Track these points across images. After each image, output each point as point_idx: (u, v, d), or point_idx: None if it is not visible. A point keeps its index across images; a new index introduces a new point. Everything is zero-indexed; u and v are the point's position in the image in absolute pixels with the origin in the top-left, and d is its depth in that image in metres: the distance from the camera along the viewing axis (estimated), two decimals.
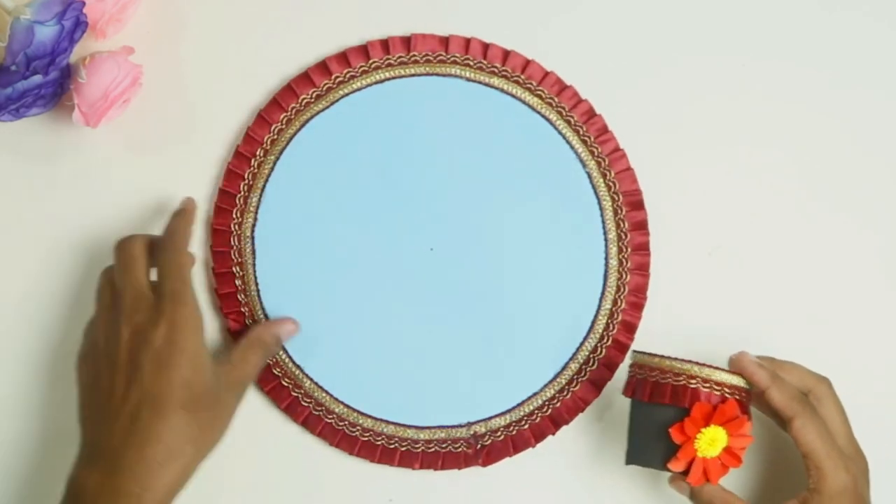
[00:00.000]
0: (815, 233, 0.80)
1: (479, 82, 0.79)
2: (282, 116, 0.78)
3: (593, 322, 0.78)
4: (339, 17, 0.81)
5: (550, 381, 0.77)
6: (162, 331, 0.68)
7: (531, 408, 0.77)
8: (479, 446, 0.76)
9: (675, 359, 0.70)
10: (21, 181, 0.79)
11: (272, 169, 0.78)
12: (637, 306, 0.78)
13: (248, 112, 0.79)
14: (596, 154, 0.79)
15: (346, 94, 0.79)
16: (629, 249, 0.78)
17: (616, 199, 0.78)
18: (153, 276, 0.72)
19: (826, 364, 0.77)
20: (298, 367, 0.77)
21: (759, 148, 0.80)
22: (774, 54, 0.81)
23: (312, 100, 0.79)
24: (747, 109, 0.81)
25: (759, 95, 0.81)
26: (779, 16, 0.82)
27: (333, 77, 0.79)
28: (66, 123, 0.77)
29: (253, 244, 0.78)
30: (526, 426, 0.77)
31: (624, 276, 0.78)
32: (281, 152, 0.78)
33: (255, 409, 0.77)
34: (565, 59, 0.80)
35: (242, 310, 0.77)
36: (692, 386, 0.68)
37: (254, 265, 0.77)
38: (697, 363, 0.69)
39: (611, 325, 0.78)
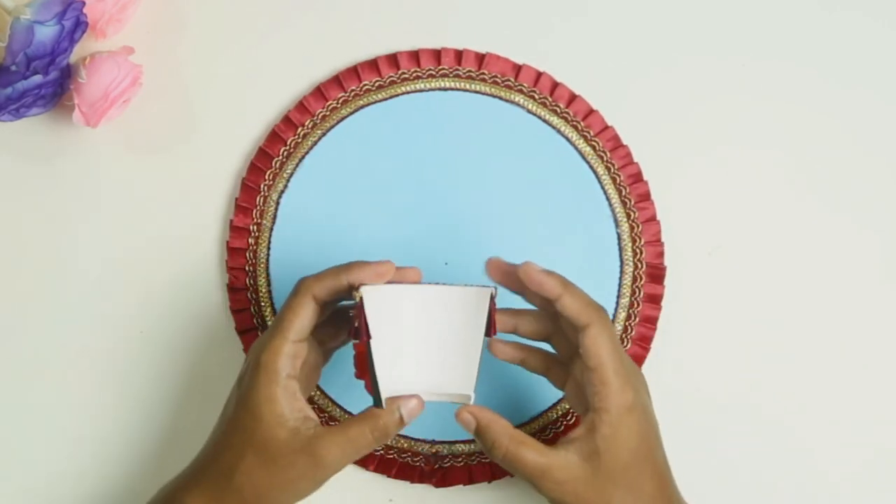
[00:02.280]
0: (816, 233, 0.80)
1: (501, 98, 0.79)
2: (307, 121, 0.79)
3: None
4: (340, 17, 0.81)
5: (527, 423, 0.76)
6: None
7: None
8: (436, 466, 0.76)
9: None
10: (21, 181, 0.79)
11: (296, 168, 0.78)
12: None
13: (249, 112, 0.79)
14: (612, 171, 0.78)
15: (366, 105, 0.79)
16: (643, 279, 0.77)
17: (635, 227, 0.78)
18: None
19: (826, 364, 0.78)
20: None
21: (759, 148, 0.80)
22: (774, 54, 0.81)
23: (339, 105, 0.79)
24: (747, 109, 0.81)
25: (759, 95, 0.81)
26: (779, 16, 0.82)
27: (361, 85, 0.79)
28: (66, 123, 0.77)
29: (268, 258, 0.77)
30: (487, 460, 0.75)
31: (636, 306, 0.77)
32: (303, 157, 0.78)
33: None
34: (564, 61, 0.80)
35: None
36: None
37: (269, 292, 0.77)
38: None
39: None
